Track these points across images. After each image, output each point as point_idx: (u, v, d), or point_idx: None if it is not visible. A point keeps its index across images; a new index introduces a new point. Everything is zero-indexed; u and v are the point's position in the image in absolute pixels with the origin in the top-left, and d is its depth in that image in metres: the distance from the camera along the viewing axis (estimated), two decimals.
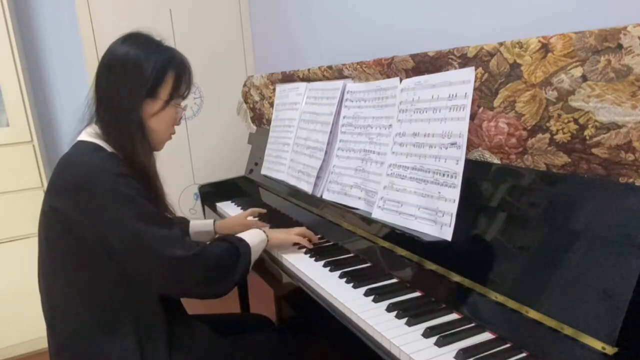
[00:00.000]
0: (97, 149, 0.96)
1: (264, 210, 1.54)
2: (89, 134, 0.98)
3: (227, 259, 1.02)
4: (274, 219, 1.52)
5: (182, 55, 1.04)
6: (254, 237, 1.12)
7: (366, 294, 0.96)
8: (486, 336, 0.79)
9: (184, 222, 1.41)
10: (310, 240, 1.23)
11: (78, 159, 0.95)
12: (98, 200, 0.88)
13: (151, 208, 0.94)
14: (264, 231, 1.18)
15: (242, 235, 1.12)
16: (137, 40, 1.00)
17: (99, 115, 1.00)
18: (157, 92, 0.99)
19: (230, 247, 1.05)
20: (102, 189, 0.88)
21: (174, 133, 1.09)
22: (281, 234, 1.21)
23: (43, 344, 2.12)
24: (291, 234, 1.22)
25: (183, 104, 1.08)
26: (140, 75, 0.97)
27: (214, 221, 1.44)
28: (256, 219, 1.46)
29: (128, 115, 0.97)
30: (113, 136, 0.98)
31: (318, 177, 1.36)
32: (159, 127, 1.02)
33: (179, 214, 1.56)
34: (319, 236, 1.28)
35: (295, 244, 1.23)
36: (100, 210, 0.89)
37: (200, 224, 1.42)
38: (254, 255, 1.09)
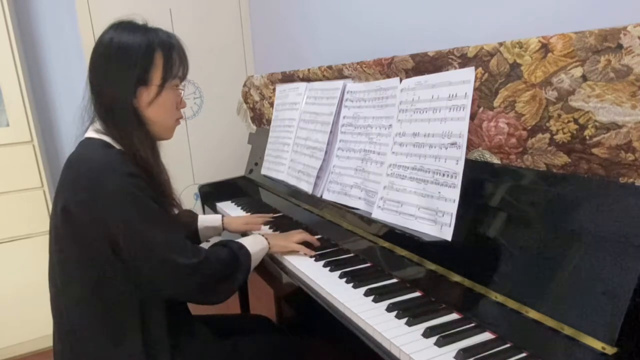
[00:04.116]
0: (105, 145, 0.94)
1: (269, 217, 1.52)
2: (95, 131, 0.97)
3: (227, 268, 1.03)
4: (274, 219, 1.52)
5: (168, 34, 0.99)
6: (255, 244, 1.13)
7: (366, 294, 0.96)
8: (486, 336, 0.79)
9: (192, 216, 1.41)
10: (312, 245, 1.22)
11: (87, 156, 0.94)
12: (106, 198, 0.88)
13: (157, 211, 0.93)
14: (266, 238, 1.18)
15: (242, 241, 1.12)
16: (120, 26, 0.97)
17: (96, 110, 0.98)
18: (149, 78, 0.95)
19: (230, 254, 1.05)
20: (110, 188, 0.88)
21: (180, 117, 1.06)
22: (282, 241, 1.21)
23: (44, 343, 2.12)
24: (292, 241, 1.20)
25: (182, 84, 1.03)
26: (125, 59, 0.93)
27: (222, 217, 1.44)
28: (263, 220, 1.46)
29: (121, 104, 0.94)
30: (112, 129, 0.96)
31: (318, 177, 1.35)
32: (159, 114, 0.99)
33: None
34: (318, 236, 1.28)
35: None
36: (107, 207, 0.88)
37: (208, 219, 1.42)
38: (254, 263, 1.10)
